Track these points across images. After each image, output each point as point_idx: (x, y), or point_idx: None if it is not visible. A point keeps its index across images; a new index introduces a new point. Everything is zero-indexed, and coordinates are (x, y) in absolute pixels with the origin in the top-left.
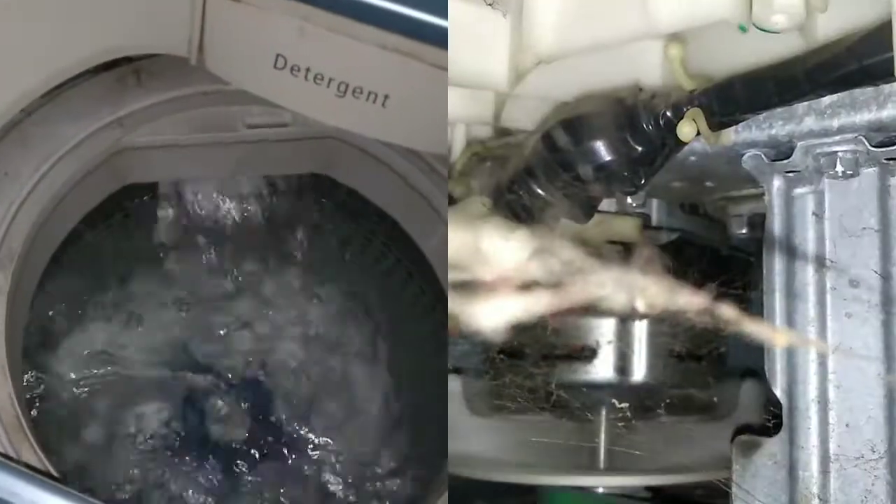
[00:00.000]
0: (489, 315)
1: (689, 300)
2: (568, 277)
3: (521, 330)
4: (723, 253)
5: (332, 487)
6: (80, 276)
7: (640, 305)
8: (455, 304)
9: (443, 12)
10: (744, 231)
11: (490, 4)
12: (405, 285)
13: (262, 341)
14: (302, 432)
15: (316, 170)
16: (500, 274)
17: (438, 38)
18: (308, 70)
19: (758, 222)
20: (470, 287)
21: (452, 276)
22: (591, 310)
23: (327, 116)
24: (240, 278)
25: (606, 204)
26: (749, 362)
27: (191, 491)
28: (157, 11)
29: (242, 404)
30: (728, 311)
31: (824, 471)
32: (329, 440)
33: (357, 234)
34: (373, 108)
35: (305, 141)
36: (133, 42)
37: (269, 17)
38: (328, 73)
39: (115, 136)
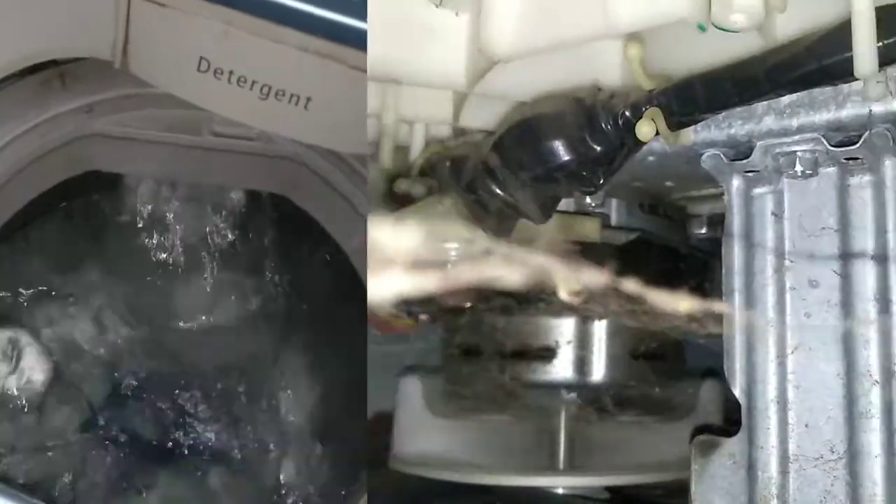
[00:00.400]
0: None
1: (599, 281)
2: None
3: (479, 329)
4: (682, 252)
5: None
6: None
7: (563, 293)
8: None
9: (361, 15)
10: (703, 231)
11: (437, 6)
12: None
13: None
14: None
15: (275, 189)
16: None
17: (358, 40)
18: (231, 73)
19: (717, 222)
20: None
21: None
22: (550, 310)
23: (251, 119)
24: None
25: (565, 204)
26: (709, 362)
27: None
28: (82, 15)
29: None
30: (687, 310)
31: (783, 471)
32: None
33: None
34: (295, 111)
35: (266, 158)
36: (58, 45)
37: (193, 21)
38: (251, 75)
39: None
